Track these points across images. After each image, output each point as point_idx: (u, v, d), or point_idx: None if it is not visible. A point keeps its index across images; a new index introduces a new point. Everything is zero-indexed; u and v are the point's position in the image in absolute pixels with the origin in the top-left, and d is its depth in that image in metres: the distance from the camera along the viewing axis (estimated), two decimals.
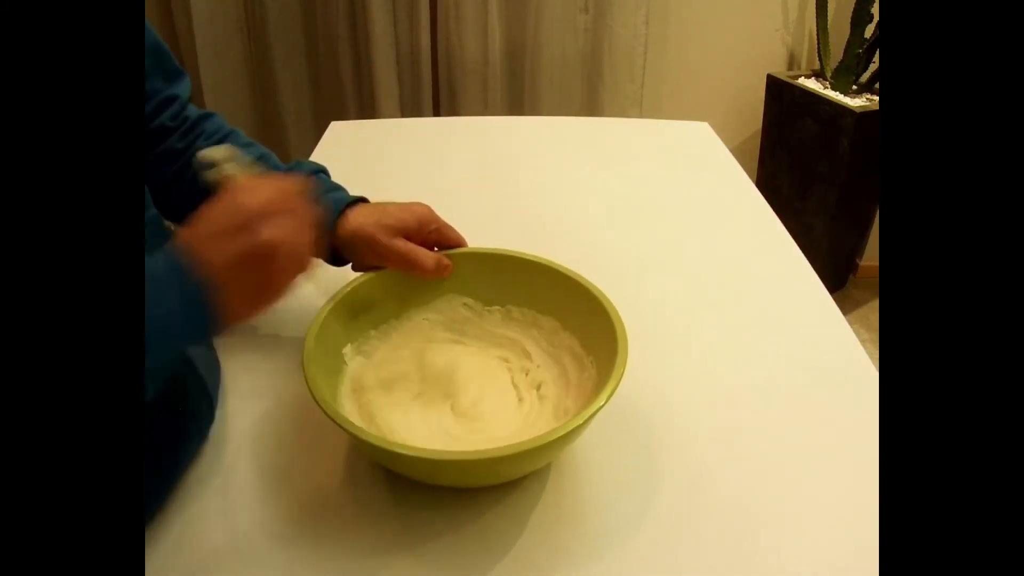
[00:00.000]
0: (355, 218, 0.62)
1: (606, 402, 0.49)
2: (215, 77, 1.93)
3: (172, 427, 0.54)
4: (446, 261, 0.63)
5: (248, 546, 0.50)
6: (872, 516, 0.51)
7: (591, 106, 1.92)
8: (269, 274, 0.45)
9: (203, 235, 0.43)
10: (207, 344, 0.63)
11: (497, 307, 0.66)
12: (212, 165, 0.51)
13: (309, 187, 0.49)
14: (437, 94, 1.94)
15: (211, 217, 0.44)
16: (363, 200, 0.65)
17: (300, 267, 0.47)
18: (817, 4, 1.82)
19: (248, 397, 0.62)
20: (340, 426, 0.47)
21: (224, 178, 0.50)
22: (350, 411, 0.56)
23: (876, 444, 0.50)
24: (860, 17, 1.74)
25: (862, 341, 0.70)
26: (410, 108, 1.93)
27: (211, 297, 0.42)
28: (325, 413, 0.48)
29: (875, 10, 1.72)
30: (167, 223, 0.63)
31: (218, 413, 0.60)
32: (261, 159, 0.67)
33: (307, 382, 0.50)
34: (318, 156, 1.08)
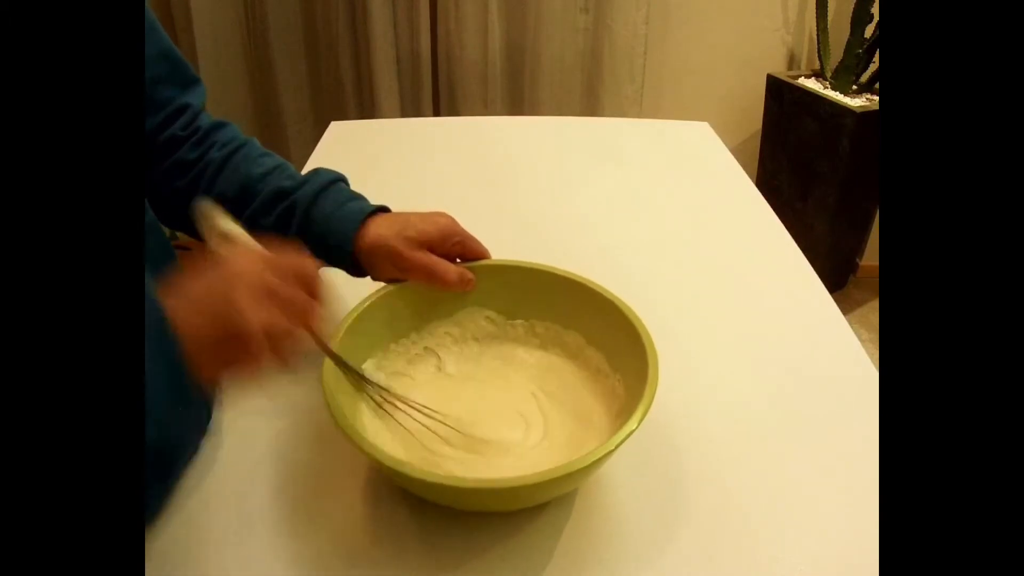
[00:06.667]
0: (376, 229, 0.60)
1: (638, 426, 0.47)
2: (215, 78, 1.93)
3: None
4: (469, 275, 0.61)
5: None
6: (872, 516, 0.51)
7: (591, 106, 1.92)
8: (241, 363, 0.44)
9: (181, 306, 0.42)
10: None
11: (520, 321, 0.64)
12: (206, 217, 0.50)
13: (308, 267, 0.48)
14: (437, 94, 1.94)
15: (192, 293, 0.43)
16: (385, 209, 0.63)
17: (276, 356, 0.45)
18: (817, 4, 1.82)
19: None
20: (363, 450, 0.46)
21: (215, 240, 0.49)
22: (372, 431, 0.54)
23: (876, 444, 0.50)
24: (860, 17, 1.73)
25: (862, 341, 0.70)
26: (410, 108, 1.93)
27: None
28: (348, 438, 0.46)
29: (875, 10, 1.72)
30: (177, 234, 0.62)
31: (219, 422, 0.59)
32: (277, 169, 0.65)
33: (328, 405, 0.48)
34: (318, 156, 1.08)
